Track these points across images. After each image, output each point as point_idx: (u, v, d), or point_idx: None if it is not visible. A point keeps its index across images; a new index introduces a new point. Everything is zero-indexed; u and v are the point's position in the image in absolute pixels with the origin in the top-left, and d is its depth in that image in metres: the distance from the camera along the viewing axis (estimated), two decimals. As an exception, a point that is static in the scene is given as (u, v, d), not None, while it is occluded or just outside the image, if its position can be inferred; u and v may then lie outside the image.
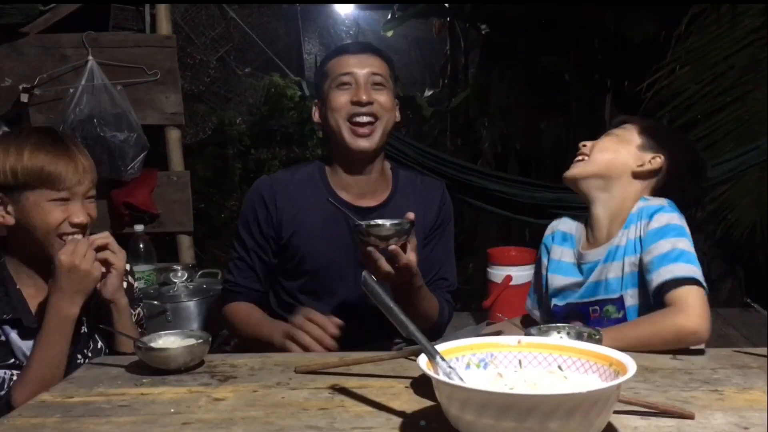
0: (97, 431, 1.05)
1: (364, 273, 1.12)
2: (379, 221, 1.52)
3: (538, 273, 1.80)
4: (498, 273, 3.48)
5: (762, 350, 1.34)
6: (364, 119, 1.73)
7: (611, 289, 1.57)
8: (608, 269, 1.58)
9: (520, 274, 3.37)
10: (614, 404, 0.93)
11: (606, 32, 5.17)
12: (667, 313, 1.39)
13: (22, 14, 2.71)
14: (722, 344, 3.19)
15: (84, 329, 1.55)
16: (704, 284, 1.44)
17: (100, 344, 1.59)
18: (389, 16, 7.26)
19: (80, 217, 1.52)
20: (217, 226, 6.61)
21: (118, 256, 1.53)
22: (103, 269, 1.50)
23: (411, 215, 1.56)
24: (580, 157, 1.66)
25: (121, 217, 2.86)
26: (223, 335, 2.42)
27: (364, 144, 1.74)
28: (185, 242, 2.99)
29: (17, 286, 1.53)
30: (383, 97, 1.75)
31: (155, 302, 2.36)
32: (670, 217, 1.52)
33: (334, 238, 1.79)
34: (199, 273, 2.60)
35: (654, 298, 1.47)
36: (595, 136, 1.73)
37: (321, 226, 1.79)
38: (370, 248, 1.50)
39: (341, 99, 1.74)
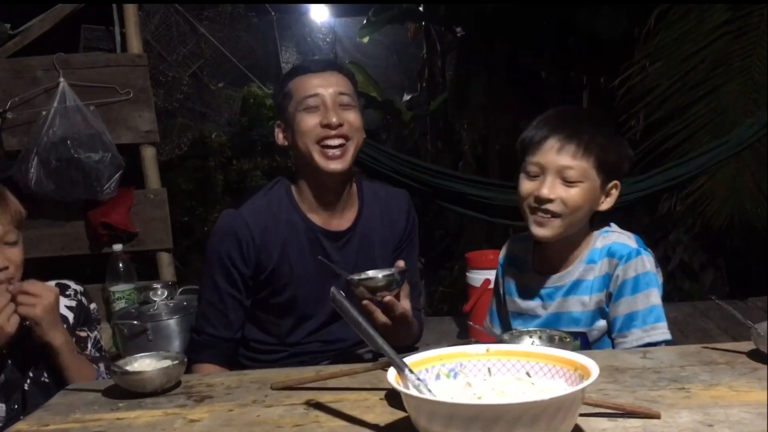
0: (71, 459, 1.06)
1: (332, 289, 1.13)
2: (371, 273, 1.51)
3: (497, 293, 1.78)
4: (476, 277, 3.50)
5: (730, 345, 1.36)
6: (335, 141, 1.68)
7: (575, 323, 1.56)
8: (571, 303, 1.57)
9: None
10: (579, 408, 0.95)
11: (579, 31, 5.23)
12: None
13: (-10, 39, 2.71)
14: (700, 337, 3.24)
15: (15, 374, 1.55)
16: (669, 337, 1.50)
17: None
18: (364, 22, 7.29)
19: None
20: (201, 239, 6.60)
21: (36, 306, 1.49)
22: (18, 321, 1.48)
23: (401, 263, 1.56)
24: (548, 216, 1.51)
25: (99, 238, 2.85)
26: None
27: (336, 166, 1.68)
28: (165, 260, 2.98)
29: None
30: (352, 116, 1.71)
31: (135, 322, 2.35)
32: (644, 263, 1.51)
33: (311, 264, 1.75)
34: (180, 290, 2.59)
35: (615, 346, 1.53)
36: None
37: (298, 252, 1.75)
38: (365, 301, 1.50)
39: (310, 122, 1.68)
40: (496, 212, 3.13)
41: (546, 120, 1.54)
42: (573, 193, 1.48)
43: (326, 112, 1.68)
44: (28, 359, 1.57)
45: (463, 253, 6.31)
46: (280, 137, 1.78)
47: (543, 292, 1.61)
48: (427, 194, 3.14)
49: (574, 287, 1.57)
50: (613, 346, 1.54)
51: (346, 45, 9.26)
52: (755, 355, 1.28)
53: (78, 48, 2.90)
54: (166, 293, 2.48)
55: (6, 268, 1.51)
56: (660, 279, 1.56)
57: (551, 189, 1.48)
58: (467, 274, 3.63)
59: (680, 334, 3.22)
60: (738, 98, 4.00)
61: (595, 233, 1.59)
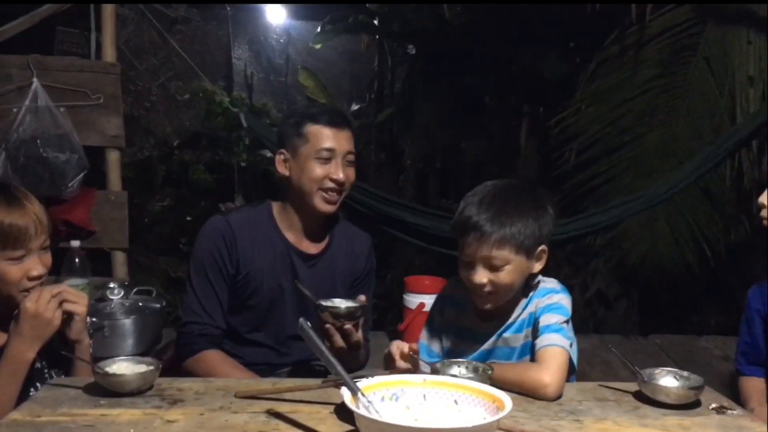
0: (69, 449, 1.25)
1: (300, 320, 1.36)
2: (336, 301, 1.76)
3: (430, 327, 1.91)
4: (413, 300, 3.79)
5: (620, 385, 1.65)
6: (335, 192, 1.97)
7: (507, 356, 1.77)
8: (506, 339, 1.77)
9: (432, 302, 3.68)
10: (494, 433, 1.20)
11: (522, 65, 5.55)
12: (532, 366, 1.64)
13: (-33, 34, 2.80)
14: (603, 368, 3.59)
15: (39, 365, 1.67)
16: (569, 351, 1.67)
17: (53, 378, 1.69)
18: (319, 29, 7.44)
19: (38, 271, 1.62)
20: (136, 231, 6.62)
21: (79, 304, 1.64)
22: (63, 317, 1.61)
23: (363, 298, 1.80)
24: (486, 293, 1.69)
25: (58, 233, 2.97)
26: (156, 351, 2.59)
27: (330, 209, 1.98)
28: (120, 258, 3.13)
29: None
30: (352, 173, 2.00)
31: (94, 319, 2.51)
32: (560, 298, 1.74)
33: (280, 277, 2.01)
34: (135, 290, 2.75)
35: (532, 357, 1.74)
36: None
37: (270, 264, 2.01)
38: (327, 325, 1.74)
39: (320, 172, 1.94)
40: (431, 240, 3.37)
41: (468, 209, 1.70)
42: (501, 276, 1.67)
43: (336, 168, 1.96)
44: (50, 366, 1.70)
45: (394, 264, 6.56)
46: (281, 166, 2.02)
47: (482, 334, 1.80)
48: (369, 218, 3.32)
49: (510, 325, 1.77)
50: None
51: (299, 47, 9.38)
52: (639, 396, 1.57)
53: (52, 48, 3.01)
54: (122, 293, 2.64)
55: (42, 275, 1.64)
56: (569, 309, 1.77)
57: (481, 277, 1.68)
58: (404, 296, 3.90)
59: (587, 365, 3.55)
60: (658, 148, 4.39)
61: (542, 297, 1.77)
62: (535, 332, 1.71)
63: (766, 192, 1.88)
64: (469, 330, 1.82)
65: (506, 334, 1.78)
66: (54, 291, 1.61)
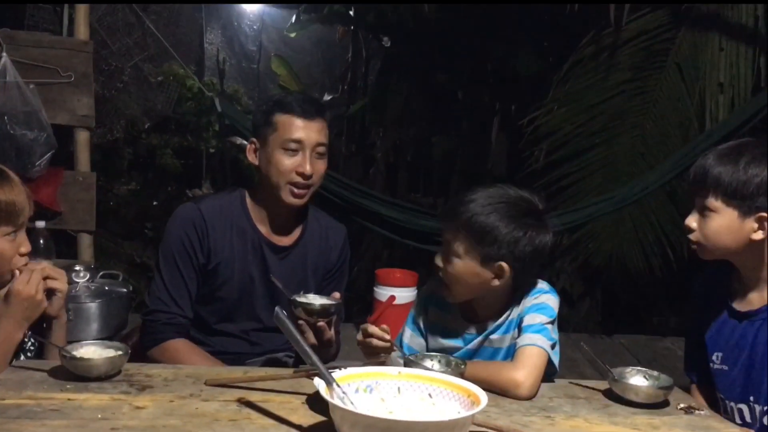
0: (35, 433, 1.22)
1: (276, 309, 1.34)
2: (311, 297, 1.73)
3: (412, 324, 1.87)
4: (383, 293, 3.81)
5: (590, 383, 1.66)
6: (303, 187, 1.91)
7: (492, 357, 1.75)
8: (493, 340, 1.75)
9: (403, 295, 3.71)
10: (469, 428, 1.20)
11: (497, 61, 5.58)
12: (507, 364, 1.64)
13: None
14: (569, 366, 3.63)
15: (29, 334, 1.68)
16: (549, 352, 1.64)
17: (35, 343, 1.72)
18: (294, 18, 7.39)
19: (26, 247, 1.64)
20: (101, 214, 6.52)
21: (61, 281, 1.66)
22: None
23: (337, 295, 1.78)
24: (441, 276, 1.74)
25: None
26: (121, 336, 2.55)
27: (297, 202, 1.93)
28: (86, 241, 3.07)
29: None
30: (322, 165, 1.94)
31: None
32: (547, 298, 1.72)
33: (250, 268, 1.98)
34: (101, 273, 2.70)
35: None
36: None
37: (241, 255, 1.97)
38: (300, 321, 1.72)
39: (287, 164, 1.88)
40: (403, 233, 3.37)
41: (463, 200, 1.69)
42: (449, 266, 1.68)
43: (303, 160, 1.89)
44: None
45: (362, 256, 6.57)
46: (251, 155, 1.97)
47: (468, 335, 1.77)
48: (343, 209, 3.31)
49: (497, 327, 1.75)
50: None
51: (272, 35, 9.29)
52: (609, 394, 1.59)
53: (23, 23, 2.93)
54: (87, 276, 2.60)
55: (29, 251, 1.65)
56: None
57: (438, 258, 1.74)
58: (375, 288, 3.92)
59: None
60: (628, 151, 4.45)
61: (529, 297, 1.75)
62: (520, 332, 1.69)
63: (692, 214, 1.70)
64: (455, 331, 1.79)
65: (493, 336, 1.76)
66: (37, 269, 1.62)
